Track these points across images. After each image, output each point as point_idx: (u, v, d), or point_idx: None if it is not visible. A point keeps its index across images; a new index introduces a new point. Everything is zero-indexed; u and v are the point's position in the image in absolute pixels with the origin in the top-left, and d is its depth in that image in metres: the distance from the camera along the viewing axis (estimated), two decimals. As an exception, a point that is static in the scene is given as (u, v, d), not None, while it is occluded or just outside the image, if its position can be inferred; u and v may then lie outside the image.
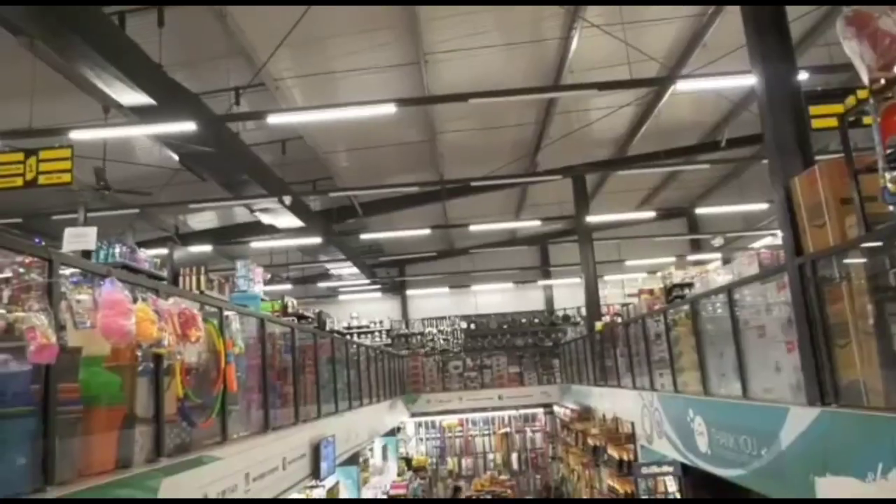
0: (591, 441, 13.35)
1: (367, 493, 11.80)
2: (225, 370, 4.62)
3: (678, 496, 9.65)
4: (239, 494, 4.69)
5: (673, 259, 18.63)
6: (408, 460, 17.53)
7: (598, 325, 13.66)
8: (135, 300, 3.37)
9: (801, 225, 4.63)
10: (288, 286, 19.46)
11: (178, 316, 3.91)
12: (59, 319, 2.80)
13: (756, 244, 16.89)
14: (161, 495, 3.49)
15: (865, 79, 3.54)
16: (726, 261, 7.64)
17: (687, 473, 10.27)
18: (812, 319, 4.48)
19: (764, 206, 14.29)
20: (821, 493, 4.45)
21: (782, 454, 4.97)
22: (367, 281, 20.84)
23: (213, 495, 4.24)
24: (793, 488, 4.87)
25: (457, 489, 5.04)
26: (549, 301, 23.66)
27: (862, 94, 3.87)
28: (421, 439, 21.52)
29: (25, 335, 2.58)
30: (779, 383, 5.36)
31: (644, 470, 9.69)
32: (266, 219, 12.48)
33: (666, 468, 9.59)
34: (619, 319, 12.11)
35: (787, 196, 4.78)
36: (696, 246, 21.79)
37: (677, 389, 7.91)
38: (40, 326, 2.60)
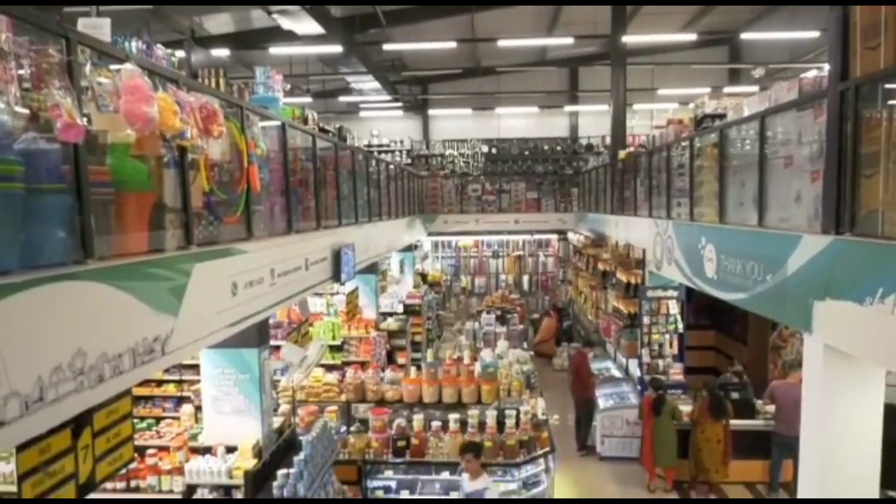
0: (601, 266, 13.83)
1: (384, 301, 12.57)
2: (248, 170, 4.71)
3: (679, 318, 10.19)
4: (265, 288, 5.01)
5: (708, 90, 17.80)
6: (423, 275, 18.39)
7: (622, 154, 13.48)
8: (155, 88, 3.34)
9: (852, 46, 4.34)
10: (308, 99, 19.07)
11: (199, 110, 3.90)
12: (81, 100, 2.80)
13: (798, 78, 15.99)
14: (193, 280, 3.73)
15: None
16: (764, 89, 7.26)
17: (689, 300, 10.77)
18: (843, 148, 4.38)
19: (815, 33, 13.28)
20: (817, 317, 4.66)
21: (786, 280, 5.13)
22: (389, 98, 20.32)
23: (241, 285, 4.53)
24: (791, 311, 5.10)
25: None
26: (574, 129, 23.16)
27: None
28: (437, 257, 22.42)
29: (50, 113, 2.60)
30: (797, 213, 5.38)
31: (650, 293, 10.14)
32: (285, 22, 11.87)
33: (671, 292, 10.02)
34: (644, 150, 11.91)
35: (843, 14, 4.42)
36: (735, 77, 20.71)
37: (693, 218, 8.00)
38: (64, 105, 2.61)
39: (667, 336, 10.18)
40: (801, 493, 5.38)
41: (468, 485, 6.40)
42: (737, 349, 12.53)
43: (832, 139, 4.49)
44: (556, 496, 7.91)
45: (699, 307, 12.71)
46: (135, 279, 3.11)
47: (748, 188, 6.39)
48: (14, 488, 4.89)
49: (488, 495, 6.27)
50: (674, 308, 10.10)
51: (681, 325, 10.15)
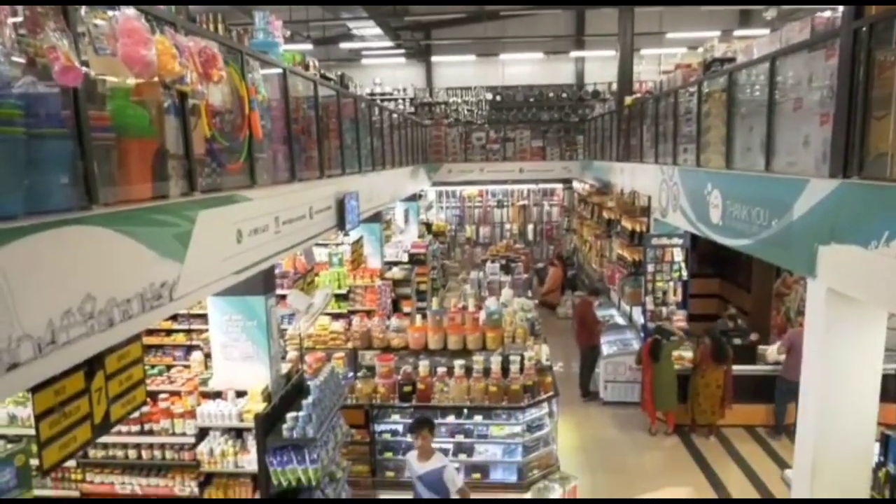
0: (606, 214, 13.79)
1: (389, 250, 12.62)
2: (249, 116, 4.66)
3: (683, 266, 10.21)
4: (269, 235, 5.02)
5: (718, 34, 17.34)
6: (428, 225, 18.39)
7: (628, 100, 13.26)
8: (153, 32, 3.28)
9: (867, -17, 4.21)
10: (308, 46, 18.69)
11: (198, 55, 3.83)
12: (78, 45, 2.75)
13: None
14: (198, 227, 3.73)
15: None
16: (775, 29, 7.05)
17: (694, 248, 10.77)
18: (854, 90, 4.29)
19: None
20: (821, 261, 4.66)
21: (791, 224, 5.12)
22: (391, 44, 19.90)
23: (246, 233, 4.54)
24: (795, 256, 5.10)
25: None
26: (580, 75, 22.71)
27: None
28: (441, 207, 22.39)
29: (47, 56, 2.56)
30: (804, 157, 5.32)
31: (654, 241, 10.14)
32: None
33: (676, 240, 10.01)
34: (651, 96, 11.70)
35: (860, -51, 4.27)
36: (746, 20, 20.15)
37: (699, 164, 7.92)
38: (61, 47, 2.56)
39: (670, 284, 10.23)
40: (800, 435, 5.49)
41: (418, 466, 5.60)
42: (740, 296, 12.62)
43: (843, 80, 4.40)
44: (560, 439, 8.11)
45: (703, 255, 12.74)
46: (140, 225, 3.12)
47: (756, 133, 6.31)
48: (32, 431, 5.05)
49: (448, 476, 5.49)
50: (678, 255, 10.11)
51: (685, 273, 10.18)
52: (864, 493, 5.03)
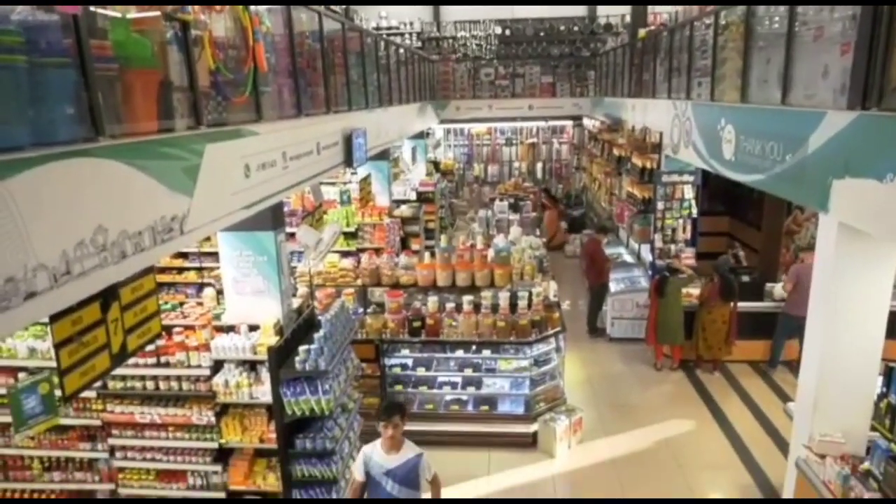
0: (616, 151, 13.61)
1: (397, 189, 12.56)
2: (254, 48, 4.56)
3: (693, 203, 10.14)
4: (277, 170, 4.99)
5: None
6: (436, 164, 18.25)
7: (642, 32, 12.86)
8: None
9: None
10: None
11: (199, -18, 3.72)
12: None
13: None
14: (205, 160, 3.71)
15: None
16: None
17: (705, 185, 10.66)
18: (878, 16, 4.13)
19: None
20: (835, 195, 4.60)
21: (806, 158, 5.03)
22: (398, -24, 19.25)
23: (254, 167, 4.52)
24: (808, 190, 5.03)
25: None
26: (592, 7, 21.93)
27: None
28: (449, 145, 22.15)
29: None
30: (822, 89, 5.18)
31: (665, 178, 10.04)
32: None
33: (686, 177, 9.90)
34: (665, 28, 11.34)
35: None
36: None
37: (713, 98, 7.74)
38: (59, -29, 2.49)
39: (680, 221, 10.18)
40: (805, 368, 5.57)
41: (385, 460, 4.65)
42: (750, 234, 12.56)
43: (866, 7, 4.23)
44: (566, 374, 8.27)
45: (714, 192, 12.63)
46: (148, 158, 3.10)
47: (773, 65, 6.12)
48: (51, 363, 5.20)
49: (423, 467, 4.70)
50: (688, 193, 10.03)
51: (695, 210, 10.12)
52: (865, 426, 5.14)
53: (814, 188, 4.87)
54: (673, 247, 10.21)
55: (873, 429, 5.02)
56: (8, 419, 5.50)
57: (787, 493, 5.80)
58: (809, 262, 8.54)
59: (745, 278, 9.74)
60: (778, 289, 9.40)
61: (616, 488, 6.67)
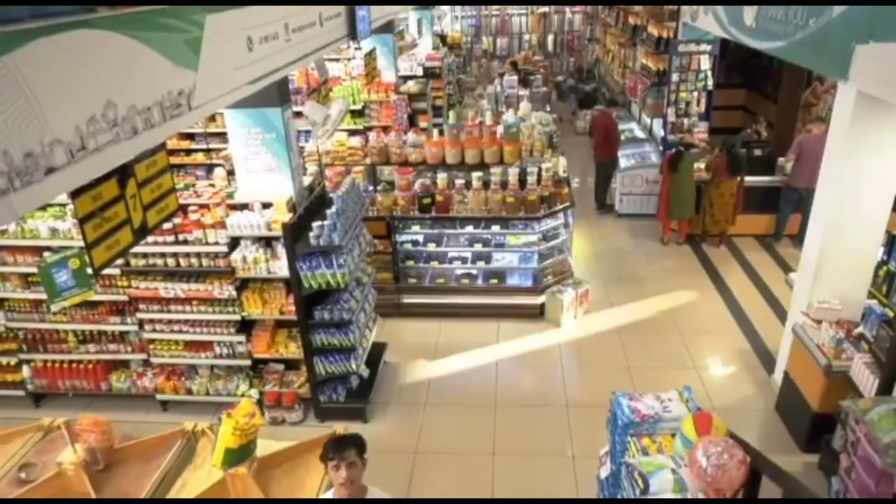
0: (631, 20, 13.00)
1: (403, 64, 12.17)
2: None
3: (709, 75, 9.81)
4: (280, 43, 4.86)
5: None
6: (443, 37, 17.50)
7: None
8: None
9: None
10: None
11: None
12: None
13: None
14: (207, 32, 3.62)
15: None
16: None
17: (723, 56, 10.25)
18: None
19: None
20: (856, 62, 4.45)
21: (830, 23, 4.82)
22: None
23: (256, 40, 4.40)
24: (829, 57, 4.87)
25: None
26: None
27: None
28: (456, 17, 21.14)
29: None
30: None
31: (681, 48, 9.66)
32: None
33: (704, 46, 9.52)
34: None
35: None
36: None
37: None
38: None
39: (694, 94, 9.93)
40: (809, 238, 5.66)
41: None
42: (766, 108, 12.25)
43: None
44: (574, 249, 8.44)
45: (731, 64, 12.19)
46: (149, 29, 3.04)
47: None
48: (73, 243, 5.37)
49: None
50: (705, 63, 9.69)
51: (710, 82, 9.83)
52: (863, 294, 5.30)
53: (835, 54, 4.71)
54: (686, 121, 10.02)
55: (870, 296, 5.19)
56: (42, 296, 5.79)
57: (783, 357, 6.09)
58: (815, 133, 8.41)
59: (758, 152, 9.62)
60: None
61: (619, 353, 7.03)
